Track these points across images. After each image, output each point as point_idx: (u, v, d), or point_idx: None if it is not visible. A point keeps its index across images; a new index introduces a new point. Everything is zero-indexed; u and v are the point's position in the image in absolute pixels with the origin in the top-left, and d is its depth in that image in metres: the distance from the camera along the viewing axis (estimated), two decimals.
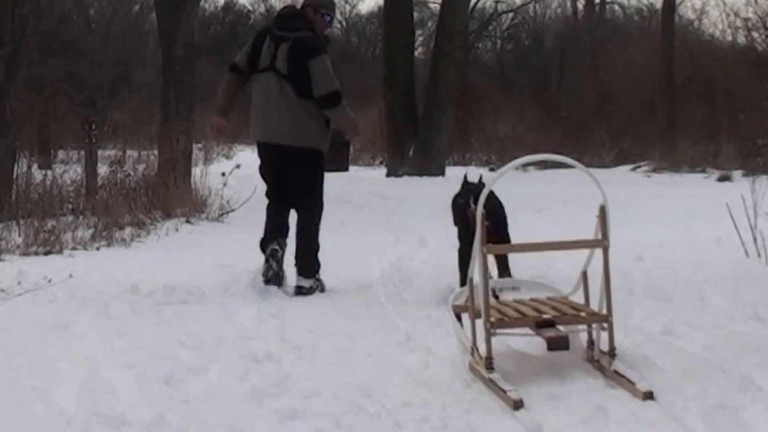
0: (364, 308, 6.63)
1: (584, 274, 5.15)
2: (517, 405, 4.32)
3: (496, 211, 6.68)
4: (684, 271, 7.31)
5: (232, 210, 12.30)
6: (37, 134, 19.73)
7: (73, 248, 9.64)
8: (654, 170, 20.91)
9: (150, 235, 10.72)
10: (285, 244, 7.34)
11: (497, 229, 6.41)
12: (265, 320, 6.26)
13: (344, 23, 43.41)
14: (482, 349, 4.77)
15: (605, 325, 4.84)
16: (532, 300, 5.29)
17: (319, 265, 7.33)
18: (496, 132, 26.36)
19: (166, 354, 5.33)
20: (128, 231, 10.65)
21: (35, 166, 14.62)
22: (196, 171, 13.72)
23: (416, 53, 27.28)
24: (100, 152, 16.27)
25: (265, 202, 7.49)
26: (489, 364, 4.68)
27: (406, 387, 4.76)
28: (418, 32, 30.31)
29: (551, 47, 32.52)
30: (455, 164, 22.86)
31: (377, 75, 24.88)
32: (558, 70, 30.29)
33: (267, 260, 7.26)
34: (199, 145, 21.13)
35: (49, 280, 7.37)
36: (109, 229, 10.43)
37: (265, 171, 7.49)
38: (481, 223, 4.79)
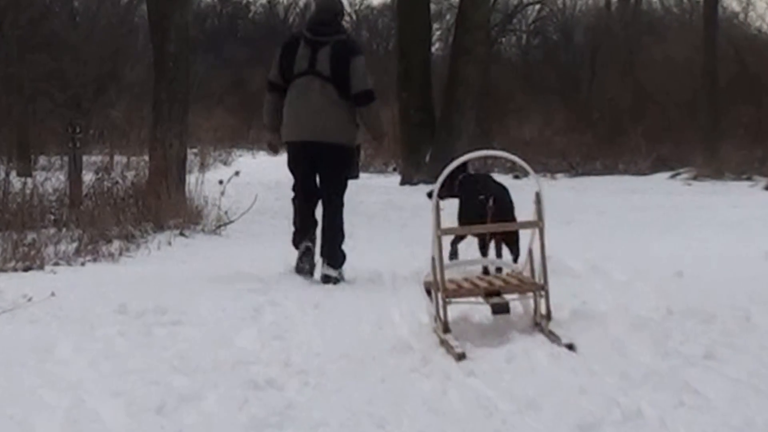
0: (377, 329, 6.63)
1: (530, 252, 6.50)
2: (461, 357, 5.59)
3: (499, 196, 8.44)
4: (728, 288, 7.31)
5: (231, 221, 12.31)
6: (16, 138, 19.79)
7: (56, 263, 9.65)
8: (695, 178, 20.88)
9: (140, 249, 10.73)
10: (315, 237, 8.67)
11: (501, 212, 8.15)
12: (266, 343, 6.26)
13: (354, 16, 43.53)
14: (441, 314, 6.15)
15: (542, 293, 6.24)
16: (493, 275, 7.12)
17: (344, 256, 8.59)
18: (522, 135, 26.31)
19: (158, 380, 5.33)
20: (116, 245, 10.66)
21: (14, 173, 14.67)
22: (191, 179, 13.73)
23: (433, 49, 27.35)
24: (85, 158, 16.25)
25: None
26: (445, 327, 6.06)
27: (422, 416, 4.76)
28: (435, 26, 30.39)
29: (582, 42, 32.60)
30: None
31: (390, 73, 24.89)
32: (589, 68, 30.30)
33: (301, 258, 8.61)
34: (194, 150, 21.19)
35: (29, 299, 7.38)
36: (95, 243, 10.45)
37: (296, 167, 8.68)
38: (436, 211, 6.19)
